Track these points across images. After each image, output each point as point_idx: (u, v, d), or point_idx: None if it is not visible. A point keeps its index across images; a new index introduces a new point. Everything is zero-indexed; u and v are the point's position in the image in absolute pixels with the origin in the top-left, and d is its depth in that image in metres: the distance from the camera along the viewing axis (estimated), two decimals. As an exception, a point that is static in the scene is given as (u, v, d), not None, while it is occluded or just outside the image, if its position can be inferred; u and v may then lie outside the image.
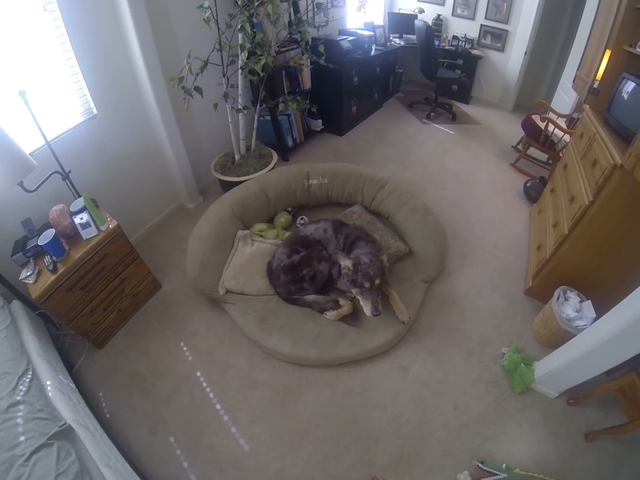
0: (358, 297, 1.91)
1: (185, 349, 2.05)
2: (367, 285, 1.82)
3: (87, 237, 1.83)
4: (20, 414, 1.25)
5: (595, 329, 1.55)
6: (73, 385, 1.69)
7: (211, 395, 1.85)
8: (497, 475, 1.54)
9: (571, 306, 1.99)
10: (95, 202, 1.92)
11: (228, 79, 2.51)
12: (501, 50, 4.82)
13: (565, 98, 3.86)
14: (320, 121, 4.08)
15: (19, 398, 1.30)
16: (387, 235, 2.44)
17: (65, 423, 1.30)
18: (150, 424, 1.74)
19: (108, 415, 1.77)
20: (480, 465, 1.58)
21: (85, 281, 1.83)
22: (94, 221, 1.83)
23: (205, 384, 1.89)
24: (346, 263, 1.90)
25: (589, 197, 1.84)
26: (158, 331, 2.15)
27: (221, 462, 1.62)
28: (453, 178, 3.55)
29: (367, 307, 1.85)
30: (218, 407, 1.81)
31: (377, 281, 1.83)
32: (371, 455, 1.66)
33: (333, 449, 1.67)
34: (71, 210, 1.87)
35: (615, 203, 1.72)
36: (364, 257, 1.90)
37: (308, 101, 2.98)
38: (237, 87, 2.62)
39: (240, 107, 2.66)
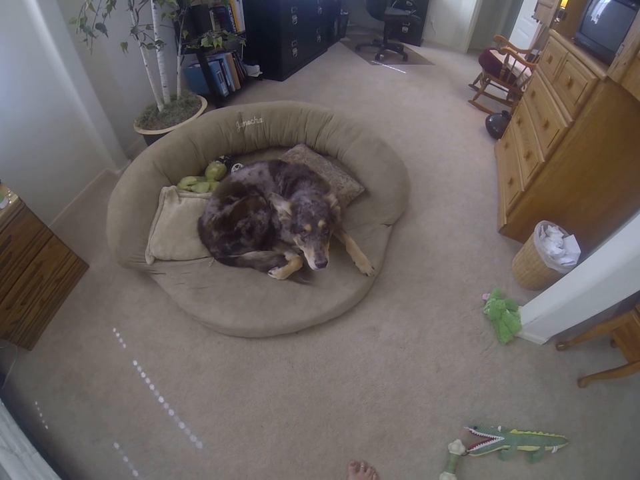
0: (300, 246, 1.59)
1: (117, 335, 1.78)
2: (307, 227, 1.49)
3: (-15, 219, 1.52)
4: None
5: (587, 267, 1.40)
6: (-5, 400, 1.47)
7: (152, 387, 1.60)
8: (493, 438, 1.39)
9: (553, 242, 1.83)
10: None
11: (137, 12, 2.11)
12: (454, -11, 4.65)
13: (523, 35, 3.92)
14: (257, 67, 3.71)
15: None
16: (336, 174, 2.14)
17: None
18: (91, 430, 1.51)
19: (47, 427, 1.52)
20: (473, 431, 1.41)
21: (-10, 274, 1.54)
22: None
23: (143, 374, 1.64)
24: (282, 206, 1.56)
25: (567, 119, 1.69)
26: (87, 318, 1.85)
27: (174, 465, 1.41)
28: (408, 115, 3.34)
29: (309, 257, 1.51)
30: (161, 400, 1.56)
31: (320, 223, 1.49)
32: (346, 436, 1.44)
33: (300, 435, 1.45)
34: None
35: (600, 121, 1.56)
36: (305, 197, 1.58)
37: (236, 34, 2.64)
38: (153, 28, 2.25)
39: (152, 42, 2.24)
